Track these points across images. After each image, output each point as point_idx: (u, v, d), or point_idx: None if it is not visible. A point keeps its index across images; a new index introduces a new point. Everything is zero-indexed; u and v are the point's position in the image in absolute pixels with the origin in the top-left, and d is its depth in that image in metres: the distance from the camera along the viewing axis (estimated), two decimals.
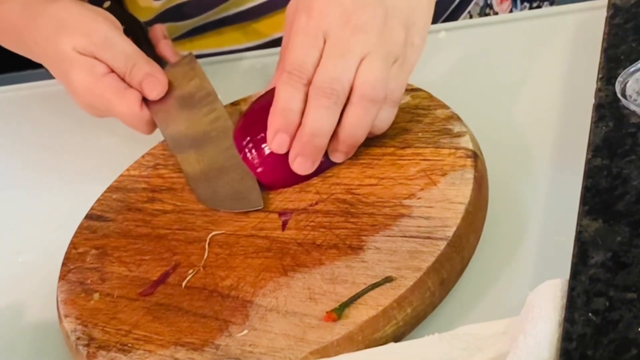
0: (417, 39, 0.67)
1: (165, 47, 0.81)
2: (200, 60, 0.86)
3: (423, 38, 0.68)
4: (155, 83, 0.76)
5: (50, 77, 0.99)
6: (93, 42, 0.75)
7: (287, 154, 0.67)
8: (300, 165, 0.67)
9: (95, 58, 0.76)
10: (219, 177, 0.71)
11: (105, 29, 0.76)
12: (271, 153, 0.68)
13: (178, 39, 0.97)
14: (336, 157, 0.67)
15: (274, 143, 0.67)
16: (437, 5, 0.95)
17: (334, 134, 0.66)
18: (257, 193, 0.68)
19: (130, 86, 0.76)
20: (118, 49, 0.76)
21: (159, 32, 0.82)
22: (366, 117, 0.65)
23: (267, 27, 0.94)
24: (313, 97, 0.65)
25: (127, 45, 0.77)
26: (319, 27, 0.66)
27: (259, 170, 0.69)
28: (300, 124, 0.66)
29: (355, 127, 0.66)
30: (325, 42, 0.66)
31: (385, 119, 0.67)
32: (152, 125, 0.76)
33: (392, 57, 0.65)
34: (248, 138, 0.70)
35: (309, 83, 0.66)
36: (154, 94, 0.76)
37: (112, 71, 0.76)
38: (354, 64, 0.65)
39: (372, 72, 0.64)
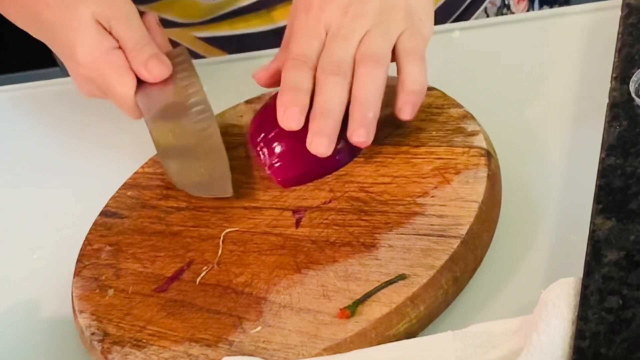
0: (422, 14, 0.69)
1: (157, 35, 0.81)
2: (213, 59, 0.86)
3: (428, 14, 0.70)
4: (161, 64, 0.76)
5: (64, 75, 0.99)
6: (113, 13, 0.75)
7: (300, 151, 0.67)
8: (317, 145, 0.66)
9: (109, 31, 0.75)
10: (193, 157, 0.71)
11: (128, 4, 0.77)
12: (284, 150, 0.68)
13: (191, 25, 0.97)
14: (358, 135, 0.65)
15: (285, 119, 0.66)
16: (448, 3, 0.95)
17: (350, 114, 0.66)
18: (228, 180, 0.68)
19: (131, 68, 0.76)
20: (134, 26, 0.76)
21: (152, 20, 0.82)
22: (372, 77, 0.66)
23: (280, 15, 0.95)
24: (320, 77, 0.67)
25: (142, 26, 0.77)
26: (319, 20, 0.69)
27: (273, 167, 0.69)
28: (309, 105, 0.67)
29: (365, 92, 0.66)
30: (327, 33, 0.68)
31: (415, 72, 0.67)
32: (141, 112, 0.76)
33: (394, 32, 0.68)
34: (262, 135, 0.70)
35: (314, 68, 0.67)
36: (158, 72, 0.75)
37: (118, 48, 0.75)
38: (355, 43, 0.67)
39: (371, 42, 0.67)
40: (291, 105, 0.66)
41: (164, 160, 0.73)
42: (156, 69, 0.76)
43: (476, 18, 1.00)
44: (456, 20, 0.97)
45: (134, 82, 0.75)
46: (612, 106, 0.61)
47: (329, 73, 0.67)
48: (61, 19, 0.76)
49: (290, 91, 0.67)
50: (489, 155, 0.64)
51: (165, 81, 0.76)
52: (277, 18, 0.96)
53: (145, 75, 0.76)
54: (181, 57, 0.79)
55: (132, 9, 0.77)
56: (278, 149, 0.69)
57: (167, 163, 0.72)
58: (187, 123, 0.74)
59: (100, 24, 0.75)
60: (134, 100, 0.75)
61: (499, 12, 1.02)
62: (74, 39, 0.75)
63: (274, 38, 0.94)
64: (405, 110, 0.66)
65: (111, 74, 0.75)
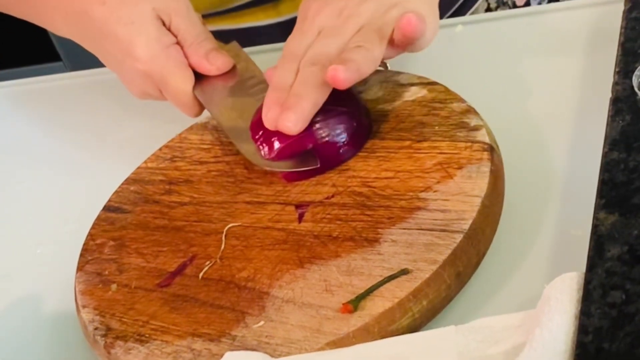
0: (422, 11, 0.69)
1: None
2: None
3: (429, 10, 0.70)
4: (222, 56, 0.76)
5: (68, 70, 0.99)
6: (174, 7, 0.75)
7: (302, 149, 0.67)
8: (285, 119, 0.67)
9: (168, 26, 0.75)
10: None
11: (187, 0, 0.77)
12: (284, 146, 0.68)
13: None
14: (341, 69, 0.65)
15: (267, 118, 0.68)
16: None
17: None
18: (311, 152, 0.68)
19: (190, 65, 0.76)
20: (194, 20, 0.76)
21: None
22: (362, 51, 0.67)
23: (287, 8, 0.95)
24: (300, 68, 0.68)
25: (200, 20, 0.77)
26: (313, 23, 0.70)
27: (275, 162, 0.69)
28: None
29: (355, 54, 0.67)
30: (320, 34, 0.70)
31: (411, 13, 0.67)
32: (201, 107, 0.76)
33: (389, 28, 0.68)
34: (261, 132, 0.70)
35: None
36: (221, 64, 0.76)
37: (176, 44, 0.75)
38: (346, 39, 0.69)
39: (364, 35, 0.68)
40: (273, 104, 0.68)
41: (239, 144, 0.72)
42: (219, 61, 0.76)
43: (477, 9, 1.00)
44: (457, 11, 0.97)
45: (192, 78, 0.75)
46: (615, 100, 0.61)
47: (308, 64, 0.68)
48: (118, 14, 0.75)
49: (274, 91, 0.68)
50: (492, 149, 0.64)
51: (225, 74, 0.77)
52: (284, 11, 0.96)
53: (207, 67, 0.76)
54: (235, 51, 0.79)
55: (189, 3, 0.77)
56: (276, 144, 0.69)
57: (242, 147, 0.72)
58: (254, 105, 0.73)
59: (160, 19, 0.75)
60: (192, 95, 0.75)
61: (500, 2, 1.02)
62: (132, 33, 0.74)
63: (280, 31, 0.94)
64: (409, 17, 0.66)
65: (171, 69, 0.74)
